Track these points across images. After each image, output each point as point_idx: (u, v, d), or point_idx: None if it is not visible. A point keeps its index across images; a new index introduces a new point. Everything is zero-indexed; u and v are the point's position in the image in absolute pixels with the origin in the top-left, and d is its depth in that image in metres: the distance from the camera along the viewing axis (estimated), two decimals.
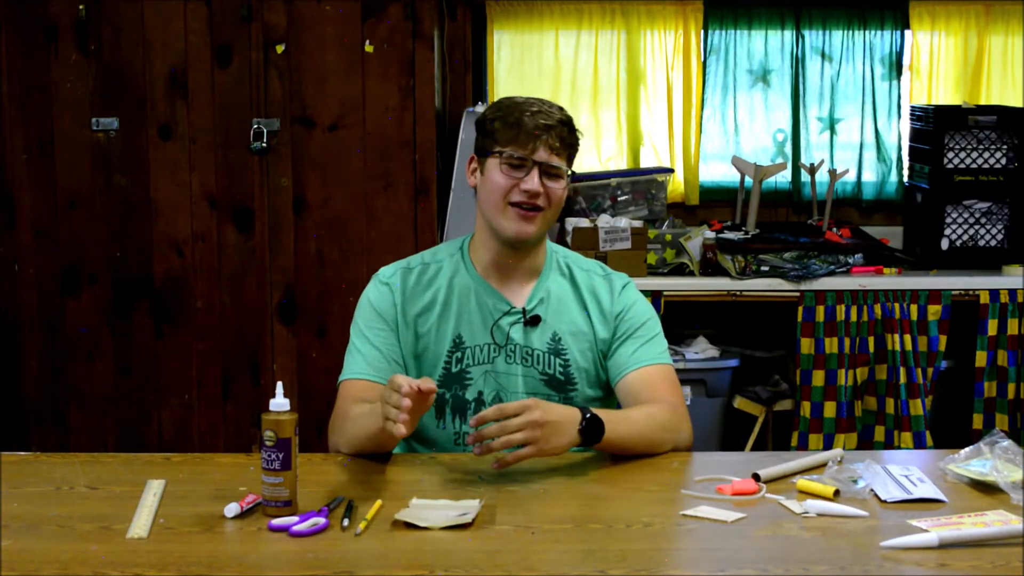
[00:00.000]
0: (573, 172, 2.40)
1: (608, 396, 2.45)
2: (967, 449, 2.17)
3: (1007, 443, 2.13)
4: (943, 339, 4.06)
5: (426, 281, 2.42)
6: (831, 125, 4.65)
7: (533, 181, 2.31)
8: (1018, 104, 4.55)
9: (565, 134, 2.34)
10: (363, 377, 2.36)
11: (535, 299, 2.41)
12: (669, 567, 1.78)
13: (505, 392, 2.37)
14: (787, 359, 4.27)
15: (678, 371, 2.51)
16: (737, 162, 4.48)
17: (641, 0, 4.57)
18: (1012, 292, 4.05)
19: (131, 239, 4.04)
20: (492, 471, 2.14)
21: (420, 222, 4.02)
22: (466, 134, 4.05)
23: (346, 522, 1.91)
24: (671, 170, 4.55)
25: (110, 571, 1.74)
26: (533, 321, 2.39)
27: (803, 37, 4.60)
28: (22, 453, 2.30)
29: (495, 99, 4.45)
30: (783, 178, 4.65)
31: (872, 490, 2.06)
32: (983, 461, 2.12)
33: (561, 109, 2.38)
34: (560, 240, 4.12)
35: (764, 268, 4.12)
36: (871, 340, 4.06)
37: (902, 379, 4.03)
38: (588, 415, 2.15)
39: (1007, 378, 4.07)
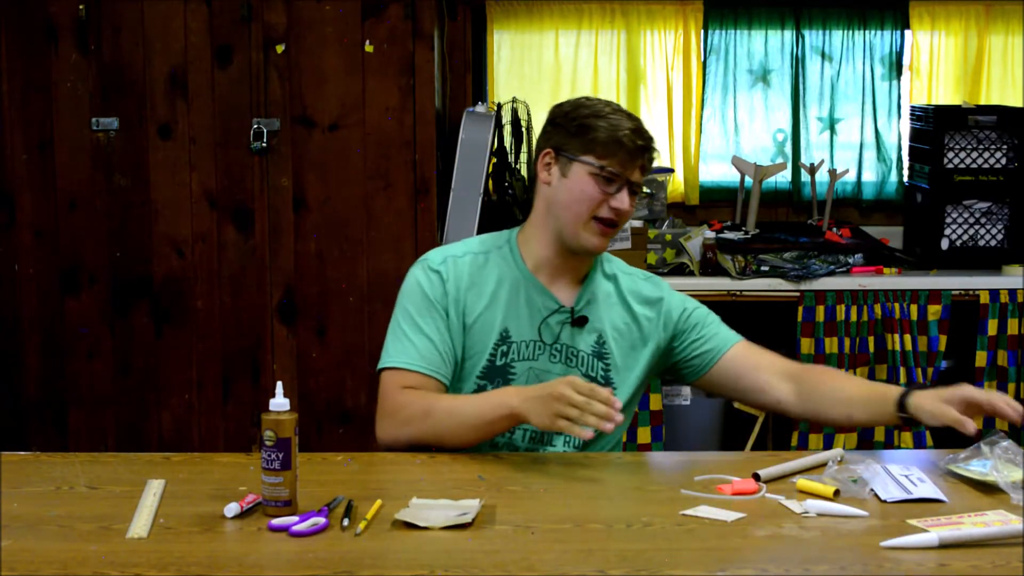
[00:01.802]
0: None
1: (632, 400, 2.44)
2: (967, 449, 2.17)
3: (1007, 443, 2.13)
4: (943, 339, 4.06)
5: (475, 271, 2.38)
6: (831, 125, 4.65)
7: (624, 200, 2.31)
8: (1018, 104, 4.55)
9: (654, 156, 2.37)
10: (414, 368, 2.31)
11: (583, 300, 2.40)
12: (669, 567, 1.78)
13: None
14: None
15: None
16: (737, 162, 4.48)
17: (641, 0, 4.57)
18: (1012, 292, 4.05)
19: (131, 239, 4.03)
20: (491, 471, 2.15)
21: (420, 222, 4.02)
22: (466, 134, 4.05)
23: (346, 522, 1.91)
24: (671, 170, 4.55)
25: (110, 571, 1.74)
26: (580, 322, 2.38)
27: (803, 37, 4.60)
28: (22, 453, 2.30)
29: (495, 98, 4.52)
30: (783, 178, 4.65)
31: (872, 490, 2.06)
32: (983, 461, 2.12)
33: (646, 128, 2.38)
34: None
35: (764, 268, 4.12)
36: (871, 340, 4.06)
37: (902, 379, 4.03)
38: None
39: (1007, 378, 4.07)
